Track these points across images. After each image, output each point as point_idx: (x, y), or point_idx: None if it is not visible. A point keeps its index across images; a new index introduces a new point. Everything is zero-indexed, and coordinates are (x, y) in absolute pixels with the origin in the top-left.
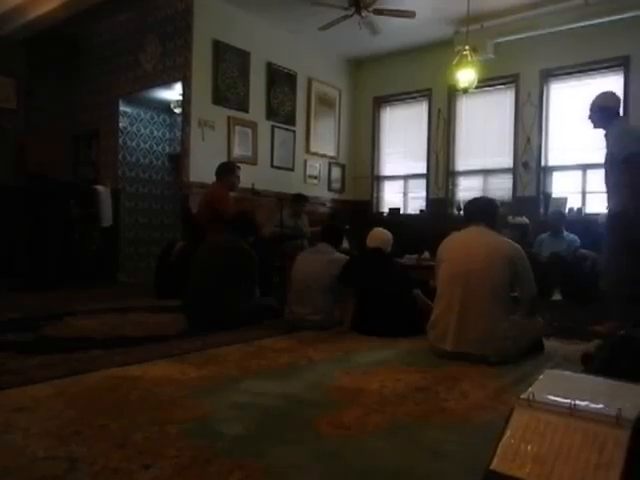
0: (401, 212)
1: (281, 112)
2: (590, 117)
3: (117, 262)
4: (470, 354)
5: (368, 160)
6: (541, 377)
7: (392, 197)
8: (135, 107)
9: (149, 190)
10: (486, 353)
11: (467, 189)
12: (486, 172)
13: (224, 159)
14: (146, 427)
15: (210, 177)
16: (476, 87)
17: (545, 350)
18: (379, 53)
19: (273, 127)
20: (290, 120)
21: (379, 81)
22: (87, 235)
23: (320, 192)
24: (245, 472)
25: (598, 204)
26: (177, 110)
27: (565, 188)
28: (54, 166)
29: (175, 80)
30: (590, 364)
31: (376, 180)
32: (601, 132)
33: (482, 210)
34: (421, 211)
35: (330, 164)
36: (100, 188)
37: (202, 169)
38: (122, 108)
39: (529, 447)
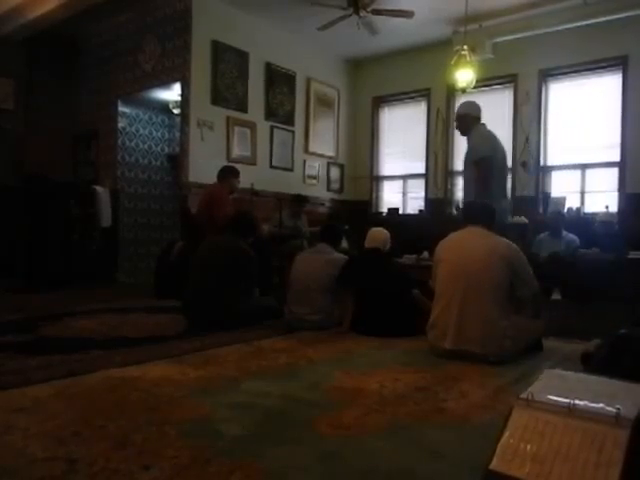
0: (400, 212)
1: (280, 112)
2: (456, 126)
3: (116, 262)
4: (469, 352)
5: (367, 160)
6: (540, 377)
7: (391, 197)
8: (134, 107)
9: (148, 190)
10: (485, 352)
11: None
12: None
13: (223, 159)
14: (145, 428)
15: (209, 177)
16: (474, 87)
17: (544, 349)
18: (378, 53)
19: (272, 127)
20: (289, 120)
21: (378, 81)
22: (86, 235)
23: (319, 192)
24: (245, 472)
25: (597, 203)
26: (176, 110)
27: (564, 188)
28: (53, 166)
29: (174, 80)
30: (590, 363)
31: (375, 180)
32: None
33: (480, 211)
34: (420, 211)
35: (329, 164)
36: (99, 188)
37: (201, 169)
38: (121, 108)
39: (528, 447)
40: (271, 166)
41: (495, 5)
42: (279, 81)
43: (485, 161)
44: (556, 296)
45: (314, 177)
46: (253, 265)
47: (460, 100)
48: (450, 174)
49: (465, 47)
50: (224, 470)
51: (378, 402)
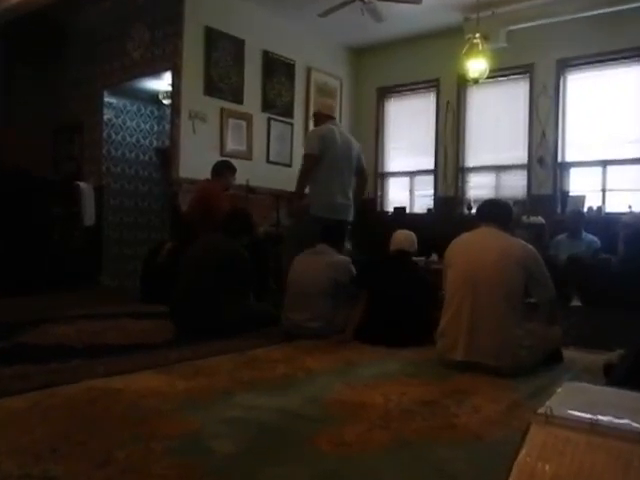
0: (407, 211)
1: (278, 103)
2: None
3: (100, 264)
4: (482, 364)
5: (371, 155)
6: (559, 390)
7: (397, 195)
8: (121, 98)
9: (135, 187)
10: (499, 363)
11: (478, 186)
12: (499, 168)
13: (216, 154)
14: (130, 444)
15: (201, 173)
16: (487, 77)
17: (564, 360)
18: (383, 41)
19: (269, 119)
20: (288, 112)
21: (383, 71)
22: (68, 235)
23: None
24: None
25: (620, 203)
26: (166, 101)
27: (584, 186)
28: (33, 161)
29: (164, 69)
30: (613, 375)
31: (380, 177)
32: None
33: (495, 210)
34: (429, 210)
35: None
36: (82, 185)
37: (192, 164)
38: (107, 99)
39: (547, 467)
40: (268, 161)
41: None
42: (277, 70)
43: (307, 157)
44: (576, 302)
45: None
46: (248, 268)
47: (472, 91)
48: (461, 170)
49: (477, 35)
50: None
51: (383, 417)
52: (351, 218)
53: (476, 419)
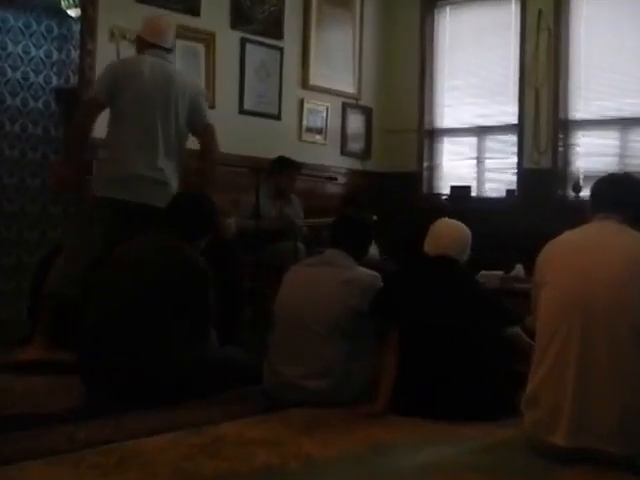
0: (473, 194)
1: (258, 15)
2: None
3: None
4: (600, 452)
5: (413, 102)
6: None
7: (456, 167)
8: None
9: (21, 153)
10: (630, 451)
11: (592, 152)
12: (626, 123)
13: None
14: None
15: None
16: None
17: None
18: None
19: (243, 41)
20: (274, 29)
21: None
22: None
23: (327, 157)
24: None
25: None
26: (72, 12)
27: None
28: None
29: None
30: None
31: (428, 137)
32: None
33: (621, 193)
34: (508, 192)
35: (346, 108)
36: None
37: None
38: None
39: None
40: (242, 111)
41: None
42: None
43: (84, 104)
44: None
45: (319, 130)
46: (207, 288)
47: None
48: (563, 126)
49: None
50: None
51: None
52: (163, 203)
53: None
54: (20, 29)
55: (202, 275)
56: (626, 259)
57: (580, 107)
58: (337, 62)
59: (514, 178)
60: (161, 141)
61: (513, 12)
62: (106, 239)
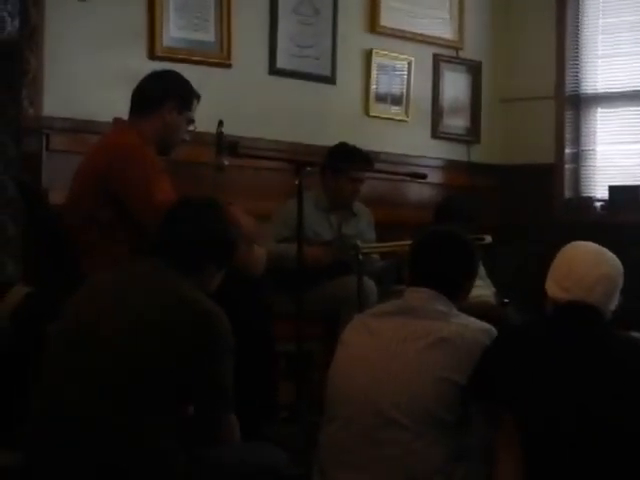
0: None
1: None
2: None
3: None
4: None
5: (547, 52)
6: None
7: (618, 156)
8: None
9: None
10: None
11: None
12: None
13: (140, 54)
14: None
15: (102, 105)
16: None
17: None
18: None
19: None
20: None
21: None
22: None
23: (411, 141)
24: None
25: None
26: None
27: None
28: None
29: None
30: None
31: (572, 108)
32: None
33: None
34: None
35: (439, 63)
36: None
37: (80, 84)
38: None
39: None
40: (273, 70)
41: None
42: None
43: None
44: None
45: (396, 100)
46: (225, 355)
47: None
48: None
49: None
50: None
51: None
52: None
53: None
54: None
55: (215, 333)
56: None
57: None
58: None
59: None
60: None
61: None
62: None
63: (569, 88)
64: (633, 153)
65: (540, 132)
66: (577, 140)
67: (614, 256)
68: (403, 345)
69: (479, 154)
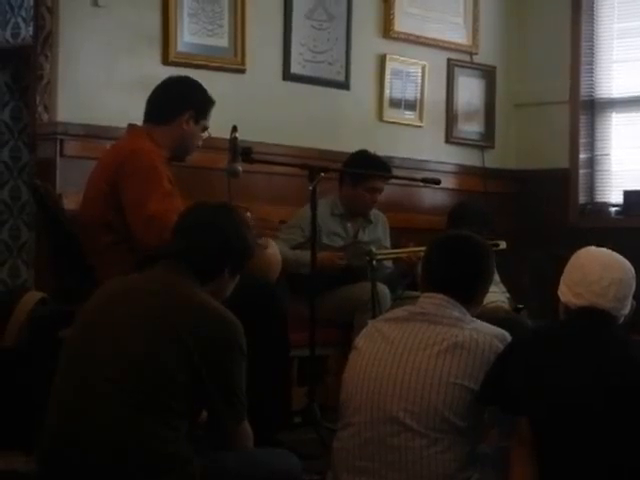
0: None
1: None
2: None
3: None
4: None
5: (562, 57)
6: None
7: (633, 161)
8: None
9: None
10: None
11: None
12: None
13: (155, 60)
14: None
15: (116, 112)
16: None
17: None
18: None
19: None
20: None
21: None
22: None
23: (424, 146)
24: None
25: None
26: None
27: None
28: None
29: None
30: None
31: (587, 113)
32: None
33: None
34: None
35: (453, 68)
36: None
37: (93, 89)
38: None
39: None
40: (287, 75)
41: None
42: None
43: None
44: None
45: (410, 105)
46: (239, 360)
47: None
48: None
49: None
50: None
51: None
52: None
53: None
54: None
55: (230, 340)
56: None
57: None
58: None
59: None
60: None
61: None
62: None
63: (584, 93)
64: None
65: (555, 137)
66: (592, 145)
67: (626, 261)
68: (417, 351)
69: (493, 159)
